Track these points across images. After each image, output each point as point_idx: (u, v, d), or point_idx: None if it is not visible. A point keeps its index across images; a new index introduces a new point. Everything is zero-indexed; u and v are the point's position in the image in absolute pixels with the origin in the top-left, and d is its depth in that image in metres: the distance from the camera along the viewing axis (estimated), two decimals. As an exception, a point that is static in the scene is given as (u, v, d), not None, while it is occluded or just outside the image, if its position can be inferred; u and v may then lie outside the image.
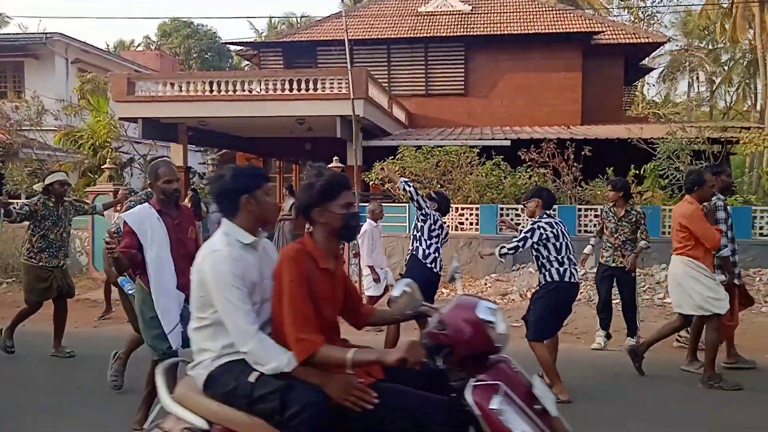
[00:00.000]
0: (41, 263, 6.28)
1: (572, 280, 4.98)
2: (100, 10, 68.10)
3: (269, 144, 17.50)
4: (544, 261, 4.98)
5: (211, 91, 12.87)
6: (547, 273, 4.99)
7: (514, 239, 5.05)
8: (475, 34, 17.80)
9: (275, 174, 19.50)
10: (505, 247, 5.06)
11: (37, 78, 19.42)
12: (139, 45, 41.04)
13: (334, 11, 18.89)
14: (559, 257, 4.94)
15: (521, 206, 6.74)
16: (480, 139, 13.82)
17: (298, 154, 18.13)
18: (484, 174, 11.53)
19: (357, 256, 8.16)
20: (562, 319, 5.17)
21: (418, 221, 5.82)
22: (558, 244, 4.94)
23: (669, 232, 10.21)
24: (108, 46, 39.09)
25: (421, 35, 17.91)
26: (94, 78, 16.75)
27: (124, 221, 3.88)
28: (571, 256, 5.03)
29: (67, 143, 15.46)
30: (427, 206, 5.80)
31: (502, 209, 10.99)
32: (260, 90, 12.80)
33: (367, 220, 8.00)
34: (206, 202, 6.22)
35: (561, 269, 4.94)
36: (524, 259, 10.24)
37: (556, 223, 5.03)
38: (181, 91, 13.02)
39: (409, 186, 5.69)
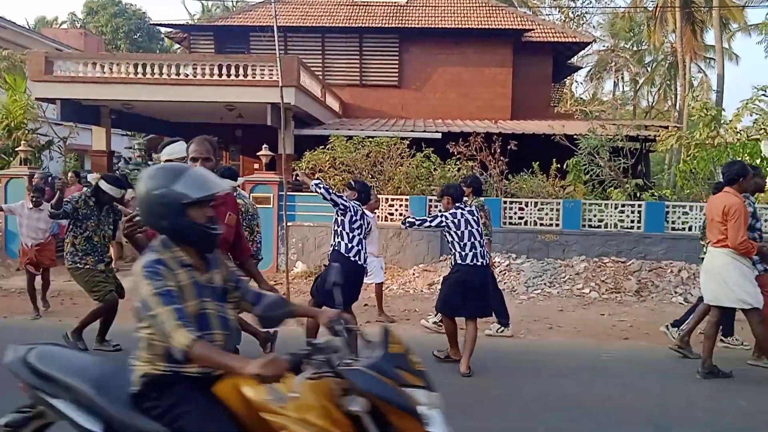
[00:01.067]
0: (87, 266, 5.87)
1: (474, 262, 5.69)
2: (20, -16, 64.17)
3: (198, 129, 16.61)
4: (450, 245, 5.80)
5: (137, 73, 12.44)
6: (453, 256, 5.83)
7: (419, 217, 5.97)
8: (409, 26, 17.90)
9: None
10: (411, 218, 5.90)
11: (-54, 53, 18.21)
12: (63, 23, 39.10)
13: (269, -4, 18.55)
14: (461, 243, 5.69)
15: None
16: (412, 131, 13.95)
17: (228, 140, 17.76)
18: (414, 165, 11.65)
19: None
20: (464, 296, 5.71)
21: (338, 215, 5.80)
22: (460, 232, 5.68)
23: (589, 225, 10.74)
24: (27, 22, 37.03)
25: (356, 25, 17.85)
26: (11, 55, 15.86)
27: None
28: (476, 242, 5.73)
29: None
30: (343, 201, 5.78)
31: (431, 200, 11.15)
32: (189, 74, 12.47)
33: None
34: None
35: (463, 253, 5.69)
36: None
37: (461, 214, 5.75)
38: (104, 72, 12.52)
39: (320, 188, 5.67)
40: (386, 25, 17.90)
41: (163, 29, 23.65)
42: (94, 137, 14.38)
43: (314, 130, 14.32)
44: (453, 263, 5.83)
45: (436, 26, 17.89)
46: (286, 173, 9.80)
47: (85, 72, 12.55)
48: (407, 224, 5.89)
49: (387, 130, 13.99)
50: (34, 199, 7.97)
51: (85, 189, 6.03)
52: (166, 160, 4.61)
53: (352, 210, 5.77)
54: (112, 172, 14.47)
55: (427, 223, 5.82)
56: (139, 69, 12.46)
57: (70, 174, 13.17)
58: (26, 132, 13.88)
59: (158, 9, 67.45)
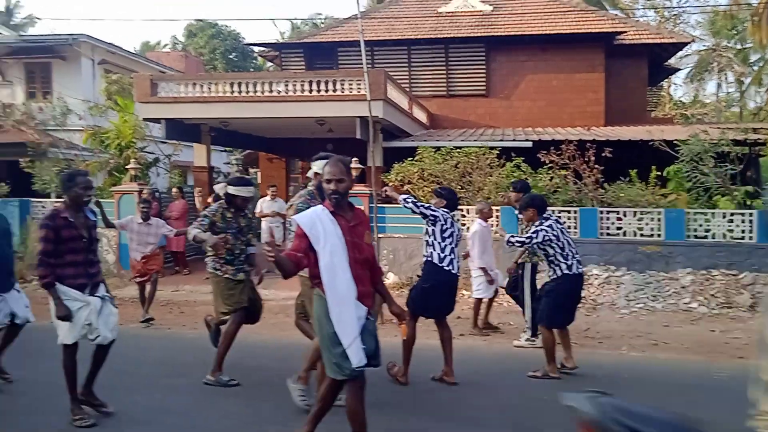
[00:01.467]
0: (227, 275, 5.69)
1: (578, 270, 5.78)
2: (126, 12, 69.17)
3: (291, 144, 17.61)
4: (552, 258, 5.74)
5: (233, 92, 13.00)
6: (557, 268, 5.76)
7: (523, 236, 5.97)
8: (496, 34, 17.71)
9: (298, 174, 19.62)
10: (515, 237, 5.95)
11: (64, 79, 19.79)
12: (165, 46, 41.61)
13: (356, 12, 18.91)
14: (563, 253, 5.71)
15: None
16: (501, 141, 13.75)
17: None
18: (504, 175, 11.47)
19: (467, 257, 7.83)
20: (573, 306, 5.88)
21: (428, 225, 5.76)
22: (561, 242, 5.71)
23: (694, 236, 10.14)
24: (135, 48, 39.66)
25: (442, 36, 17.87)
26: (120, 79, 17.03)
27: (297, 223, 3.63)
28: (574, 250, 5.79)
29: (94, 143, 15.74)
30: (432, 211, 5.73)
31: (522, 211, 10.91)
32: (281, 91, 12.90)
33: (477, 220, 7.89)
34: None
35: (568, 263, 5.72)
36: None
37: (555, 223, 5.79)
38: (203, 91, 13.17)
39: (408, 203, 5.67)
40: (472, 35, 17.81)
41: (256, 48, 24.61)
42: (196, 154, 15.13)
43: (402, 142, 14.41)
44: (556, 275, 5.78)
45: (523, 33, 17.60)
46: (375, 186, 9.92)
47: (186, 92, 13.26)
48: (515, 243, 5.95)
49: (475, 140, 13.86)
50: (144, 211, 8.41)
51: (219, 201, 5.90)
52: (315, 174, 4.79)
53: (442, 219, 5.72)
54: (210, 187, 15.21)
55: (535, 240, 5.76)
56: (236, 88, 13.01)
57: (174, 189, 13.95)
58: (135, 150, 14.81)
59: (252, 29, 70.36)
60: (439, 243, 5.69)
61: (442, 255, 5.67)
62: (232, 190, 5.66)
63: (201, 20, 39.54)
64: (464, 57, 18.00)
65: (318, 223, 3.55)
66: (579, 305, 6.04)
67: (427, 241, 5.79)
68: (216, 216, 5.64)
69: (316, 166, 4.58)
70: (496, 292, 8.06)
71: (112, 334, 4.69)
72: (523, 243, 5.88)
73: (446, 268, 5.66)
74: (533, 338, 6.88)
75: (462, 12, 19.17)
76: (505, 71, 17.85)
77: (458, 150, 11.96)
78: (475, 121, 17.65)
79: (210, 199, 11.88)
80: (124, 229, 8.89)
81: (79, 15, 70.94)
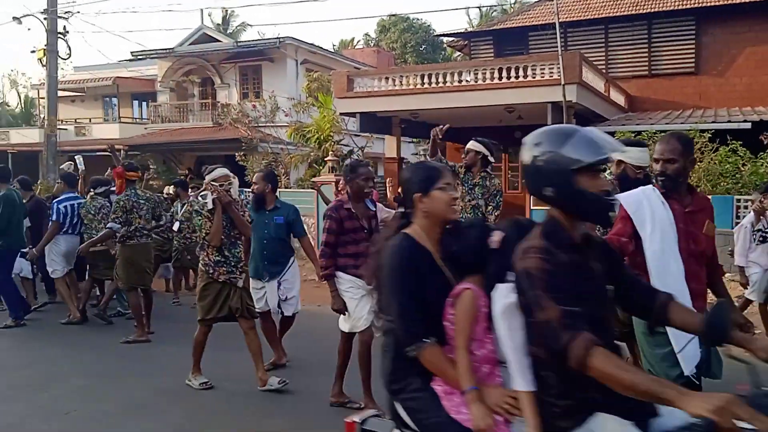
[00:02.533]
0: None
1: None
2: (325, 13, 73.99)
3: (478, 133, 17.32)
4: None
5: (423, 83, 13.25)
6: None
7: None
8: (708, 5, 15.89)
9: (484, 163, 19.52)
10: None
11: (272, 79, 21.76)
12: (359, 42, 43.72)
13: (548, -6, 18.25)
14: None
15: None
16: (713, 122, 12.36)
17: (508, 143, 17.87)
18: (717, 161, 10.30)
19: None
20: None
21: None
22: None
23: None
24: (333, 45, 42.21)
25: (644, 11, 16.48)
26: (320, 77, 18.24)
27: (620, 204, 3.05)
28: None
29: (296, 137, 17.08)
30: None
31: (738, 201, 9.71)
32: (470, 80, 12.86)
33: (751, 213, 6.92)
34: None
35: None
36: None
37: None
38: (395, 85, 13.60)
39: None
40: (680, 7, 16.17)
41: (445, 39, 24.84)
42: (387, 145, 15.73)
43: (597, 126, 13.56)
44: None
45: (741, 1, 15.56)
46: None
47: (379, 86, 13.80)
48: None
49: (682, 123, 12.62)
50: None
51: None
52: (619, 163, 4.24)
53: None
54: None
55: None
56: (425, 79, 13.24)
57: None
58: (332, 143, 15.79)
59: (443, 20, 71.32)
60: None
61: None
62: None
63: (393, 15, 40.94)
64: (670, 32, 16.43)
65: (645, 204, 3.06)
66: None
67: None
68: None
69: (633, 157, 3.99)
70: None
71: None
72: None
73: None
74: None
75: (667, -17, 17.48)
76: (719, 45, 15.95)
77: (662, 134, 10.97)
78: (681, 101, 16.06)
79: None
80: None
81: (283, 20, 77.38)
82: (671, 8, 16.20)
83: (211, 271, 5.02)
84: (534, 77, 12.24)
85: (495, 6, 37.10)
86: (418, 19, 40.54)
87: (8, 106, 46.93)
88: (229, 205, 4.97)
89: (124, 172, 6.85)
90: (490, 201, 5.46)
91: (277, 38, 21.87)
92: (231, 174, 5.19)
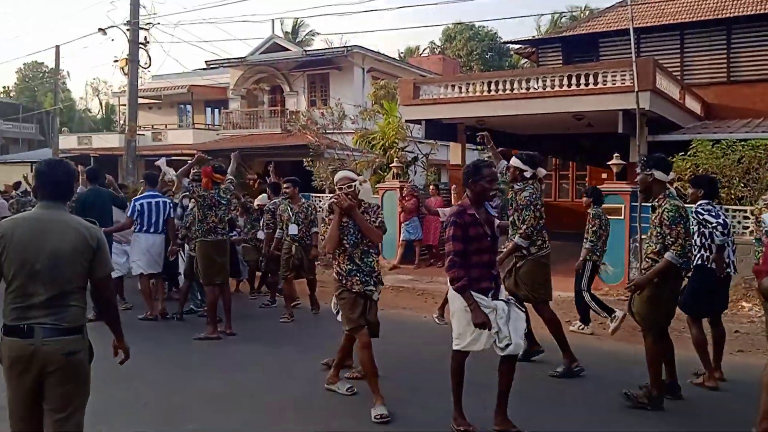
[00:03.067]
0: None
1: None
2: (391, 22, 74.57)
3: (545, 141, 17.26)
4: None
5: (489, 91, 13.16)
6: None
7: None
8: (795, 7, 15.14)
9: (551, 171, 19.15)
10: None
11: (339, 87, 22.12)
12: (424, 50, 43.85)
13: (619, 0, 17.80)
14: None
15: None
16: (797, 131, 11.75)
17: (575, 150, 17.54)
18: (801, 172, 9.79)
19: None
20: None
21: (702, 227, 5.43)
22: None
23: None
24: (399, 53, 42.52)
25: (723, 16, 15.84)
26: (386, 84, 18.42)
27: None
28: None
29: (362, 144, 17.29)
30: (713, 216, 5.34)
31: (825, 214, 9.17)
32: (538, 87, 12.69)
33: None
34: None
35: None
36: None
37: None
38: (461, 92, 13.57)
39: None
40: (762, 11, 15.47)
41: (512, 46, 24.61)
42: (451, 152, 15.73)
43: (672, 135, 13.14)
44: None
45: (832, 3, 14.74)
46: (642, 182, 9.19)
47: (444, 94, 13.81)
48: None
49: (763, 132, 12.05)
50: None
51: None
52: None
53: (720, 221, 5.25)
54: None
55: None
56: (492, 87, 13.15)
57: (431, 186, 14.68)
58: (397, 150, 15.90)
59: (508, 27, 70.56)
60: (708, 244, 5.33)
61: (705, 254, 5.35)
62: (516, 162, 5.74)
63: (459, 23, 40.88)
64: (751, 37, 15.73)
65: None
66: None
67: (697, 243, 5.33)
68: None
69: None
70: None
71: (523, 342, 4.27)
72: None
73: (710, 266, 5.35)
74: None
75: (748, -14, 16.75)
76: (806, 50, 15.15)
77: (742, 143, 10.51)
78: (763, 109, 15.32)
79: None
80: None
81: (350, 28, 78.47)
82: (752, 12, 15.52)
83: (343, 281, 4.76)
84: (605, 84, 11.95)
85: (564, 12, 36.45)
86: (483, 27, 40.35)
87: (91, 112, 49.67)
88: (351, 210, 4.69)
89: (212, 173, 7.07)
90: (519, 215, 5.64)
91: (345, 47, 22.23)
92: (355, 176, 4.91)
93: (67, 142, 28.08)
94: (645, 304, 4.71)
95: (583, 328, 7.47)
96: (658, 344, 4.75)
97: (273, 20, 25.40)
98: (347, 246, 4.73)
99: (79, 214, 3.72)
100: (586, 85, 12.10)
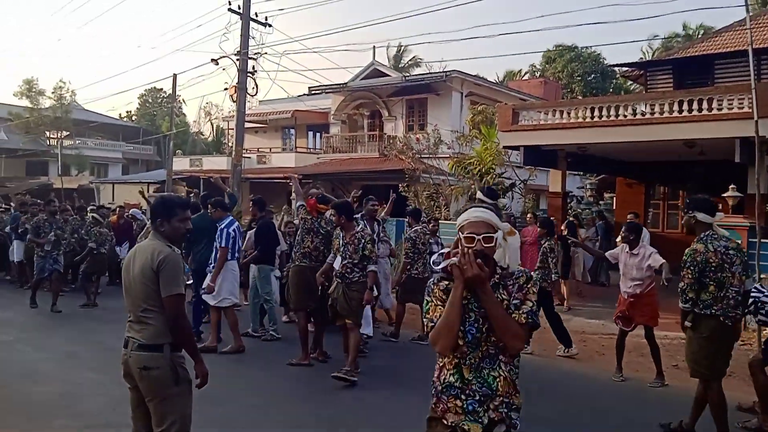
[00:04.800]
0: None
1: None
2: (490, 47, 74.21)
3: (653, 168, 16.41)
4: None
5: (593, 116, 12.69)
6: None
7: None
8: None
9: (659, 200, 18.13)
10: None
11: (436, 111, 22.20)
12: (525, 74, 43.20)
13: (737, 19, 16.69)
14: None
15: None
16: None
17: (686, 179, 16.53)
18: None
19: None
20: None
21: None
22: None
23: None
24: (497, 77, 42.14)
25: None
26: (484, 109, 18.26)
27: None
28: None
29: (458, 169, 17.19)
30: None
31: None
32: (646, 112, 12.10)
33: None
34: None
35: None
36: None
37: None
38: (561, 118, 13.19)
39: None
40: None
41: (619, 69, 23.75)
42: (551, 179, 15.26)
43: (795, 165, 12.07)
44: None
45: None
46: (759, 217, 8.49)
47: (545, 119, 13.46)
48: None
49: None
50: (630, 239, 6.72)
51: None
52: None
53: None
54: (566, 212, 15.12)
55: None
56: (596, 112, 12.67)
57: (529, 215, 14.29)
58: (494, 176, 15.65)
59: (612, 48, 68.34)
60: None
61: None
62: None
63: (559, 46, 39.99)
64: None
65: None
66: None
67: None
68: None
69: None
70: None
71: None
72: None
73: None
74: None
75: None
76: None
77: None
78: None
79: (563, 226, 11.77)
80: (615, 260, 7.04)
81: (450, 54, 78.82)
82: None
83: (433, 403, 2.62)
84: (720, 109, 11.20)
85: (676, 36, 34.79)
86: (586, 49, 39.23)
87: (203, 135, 52.74)
88: (480, 284, 2.49)
89: (316, 204, 7.04)
90: None
91: (444, 72, 22.31)
92: (497, 221, 2.60)
93: (181, 163, 30.03)
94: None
95: (567, 351, 7.77)
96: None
97: (374, 47, 25.89)
98: (460, 344, 2.56)
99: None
100: (699, 110, 11.40)
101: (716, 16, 63.84)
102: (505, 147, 14.88)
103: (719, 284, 4.59)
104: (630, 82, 34.72)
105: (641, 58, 31.52)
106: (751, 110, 10.42)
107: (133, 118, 55.71)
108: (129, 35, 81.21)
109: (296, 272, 7.14)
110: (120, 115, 53.23)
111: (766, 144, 11.02)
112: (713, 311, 4.62)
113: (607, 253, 7.23)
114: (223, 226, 7.61)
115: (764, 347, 5.18)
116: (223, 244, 7.50)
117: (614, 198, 20.16)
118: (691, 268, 4.60)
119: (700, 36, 29.02)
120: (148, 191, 27.21)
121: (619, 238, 6.86)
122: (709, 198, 4.95)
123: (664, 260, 6.53)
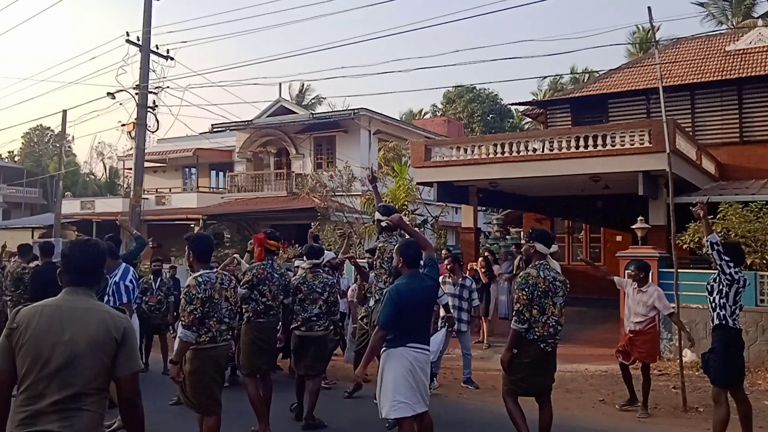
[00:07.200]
0: None
1: None
2: (391, 85, 75.96)
3: (558, 203, 16.96)
4: None
5: (503, 152, 12.92)
6: None
7: None
8: (805, 68, 15.13)
9: (563, 234, 18.76)
10: None
11: (345, 149, 22.05)
12: (426, 113, 44.36)
13: (622, 62, 17.93)
14: None
15: None
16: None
17: (588, 212, 17.23)
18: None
19: None
20: None
21: (724, 286, 5.16)
22: None
23: None
24: (402, 114, 42.99)
25: (733, 76, 15.84)
26: (396, 146, 18.28)
27: None
28: None
29: (369, 207, 16.98)
30: (732, 270, 5.12)
31: None
32: (553, 149, 12.46)
33: None
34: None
35: None
36: None
37: None
38: (472, 154, 13.35)
39: (715, 247, 5.12)
40: (772, 71, 15.47)
41: (519, 108, 24.74)
42: (463, 214, 15.38)
43: (693, 197, 12.81)
44: None
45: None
46: (672, 248, 8.76)
47: (456, 156, 13.57)
48: None
49: (787, 193, 11.74)
50: (640, 277, 6.89)
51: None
52: None
53: (740, 282, 5.14)
54: (479, 247, 15.23)
55: None
56: (505, 148, 12.89)
57: (443, 251, 14.24)
58: (407, 212, 15.56)
59: (507, 89, 71.97)
60: (730, 306, 5.16)
61: (732, 318, 5.17)
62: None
63: (459, 86, 41.46)
64: (763, 97, 15.67)
65: None
66: None
67: (719, 303, 5.19)
68: None
69: None
70: None
71: None
72: None
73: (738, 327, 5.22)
74: None
75: (756, 48, 16.85)
76: (818, 109, 15.06)
77: (768, 205, 10.17)
78: (778, 169, 15.11)
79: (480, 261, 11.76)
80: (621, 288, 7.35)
81: (354, 91, 79.96)
82: (762, 73, 15.51)
83: None
84: (623, 145, 11.72)
85: (562, 75, 37.01)
86: (484, 89, 40.94)
87: (94, 176, 49.76)
88: None
89: (265, 240, 6.06)
90: None
91: (352, 110, 22.29)
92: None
93: (71, 206, 27.81)
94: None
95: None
96: None
97: (280, 84, 25.60)
98: None
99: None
100: (604, 146, 11.87)
101: (604, 61, 68.77)
102: (418, 183, 14.86)
103: (541, 309, 4.86)
104: (525, 120, 36.47)
105: (534, 98, 33.19)
106: (651, 145, 11.00)
107: (16, 158, 51.80)
108: (12, 67, 75.89)
109: (253, 330, 5.94)
110: (0, 155, 49.35)
111: (663, 177, 11.62)
112: (534, 336, 4.84)
113: (615, 279, 7.43)
114: (117, 278, 6.01)
115: (702, 361, 5.41)
116: (125, 300, 5.97)
117: (520, 233, 20.68)
118: (526, 289, 4.84)
119: (586, 79, 30.97)
120: (32, 237, 25.03)
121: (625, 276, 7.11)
122: (548, 231, 5.42)
123: (673, 309, 6.92)
